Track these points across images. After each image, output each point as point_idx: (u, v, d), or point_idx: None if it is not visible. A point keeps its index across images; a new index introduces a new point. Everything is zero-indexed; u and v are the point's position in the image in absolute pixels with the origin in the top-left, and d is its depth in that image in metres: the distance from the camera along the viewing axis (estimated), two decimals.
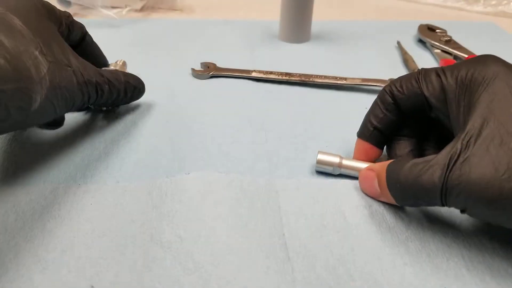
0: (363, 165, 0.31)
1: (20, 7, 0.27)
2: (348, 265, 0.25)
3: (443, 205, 0.24)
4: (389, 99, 0.30)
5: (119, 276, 0.24)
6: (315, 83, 0.44)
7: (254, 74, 0.45)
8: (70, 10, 0.58)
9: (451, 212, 0.29)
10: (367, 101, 0.42)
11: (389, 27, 0.58)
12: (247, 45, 0.52)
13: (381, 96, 0.31)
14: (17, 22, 0.25)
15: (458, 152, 0.23)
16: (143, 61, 0.47)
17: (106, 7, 0.57)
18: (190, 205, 0.28)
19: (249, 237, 0.26)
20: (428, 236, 0.27)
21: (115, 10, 0.57)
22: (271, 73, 0.45)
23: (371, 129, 0.31)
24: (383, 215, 0.28)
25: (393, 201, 0.27)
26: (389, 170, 0.27)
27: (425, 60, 0.50)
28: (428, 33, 0.54)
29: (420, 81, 0.29)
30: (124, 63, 0.43)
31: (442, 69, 0.28)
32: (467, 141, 0.23)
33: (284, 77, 0.44)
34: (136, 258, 0.25)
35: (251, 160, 0.33)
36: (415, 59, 0.49)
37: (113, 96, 0.34)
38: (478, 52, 0.48)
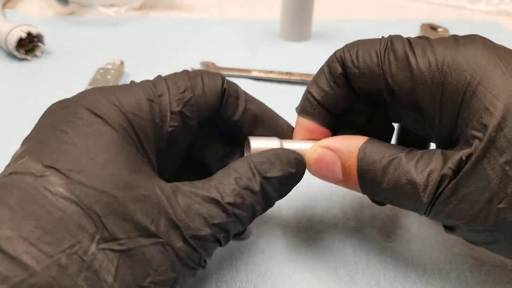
0: (310, 144, 0.23)
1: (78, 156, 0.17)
2: (349, 266, 0.25)
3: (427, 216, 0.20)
4: (339, 69, 0.23)
5: None
6: None
7: (254, 74, 0.44)
8: (68, 9, 0.57)
9: None
10: None
11: (390, 26, 0.58)
12: (247, 44, 0.51)
13: (330, 63, 0.23)
14: (56, 190, 0.16)
15: (452, 168, 0.18)
16: (141, 60, 0.47)
17: (104, 5, 0.56)
18: None
19: (249, 239, 0.26)
20: (431, 238, 0.27)
21: (114, 9, 0.57)
22: (271, 72, 0.44)
23: (314, 103, 0.23)
24: (385, 217, 0.28)
25: (354, 189, 0.22)
26: (363, 167, 0.20)
27: None
28: (430, 32, 0.53)
29: (382, 56, 0.21)
30: (122, 63, 0.43)
31: (412, 44, 0.21)
32: (464, 157, 0.18)
33: (284, 77, 0.44)
34: None
35: None
36: None
37: (248, 221, 0.20)
38: None
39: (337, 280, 0.24)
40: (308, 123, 0.23)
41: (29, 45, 0.46)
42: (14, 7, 0.59)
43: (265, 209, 0.21)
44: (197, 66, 0.45)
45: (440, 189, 0.19)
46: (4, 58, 0.46)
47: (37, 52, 0.46)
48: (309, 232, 0.27)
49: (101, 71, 0.41)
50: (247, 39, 0.53)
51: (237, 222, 0.19)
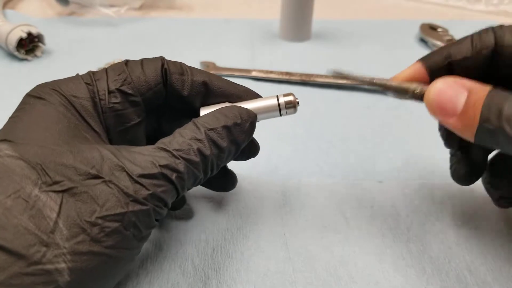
0: (267, 102, 0.25)
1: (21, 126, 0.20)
2: (349, 266, 0.25)
3: None
4: (491, 41, 0.22)
5: None
6: (315, 82, 0.44)
7: (254, 74, 0.44)
8: (68, 9, 0.57)
9: (454, 213, 0.28)
10: (368, 101, 0.42)
11: (390, 26, 0.58)
12: (247, 44, 0.51)
13: (483, 33, 0.23)
14: (4, 153, 0.18)
15: None
16: None
17: (104, 5, 0.56)
18: (188, 209, 0.28)
19: (249, 238, 0.26)
20: (430, 237, 0.27)
21: (114, 9, 0.57)
22: (271, 72, 0.44)
23: (445, 61, 0.23)
24: (384, 216, 0.28)
25: (464, 131, 0.21)
26: (493, 97, 0.19)
27: None
28: (430, 32, 0.53)
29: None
30: None
31: None
32: None
33: (284, 77, 0.44)
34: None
35: (251, 161, 0.33)
36: (416, 58, 0.48)
37: (199, 178, 0.21)
38: None
39: (337, 280, 0.24)
40: (422, 75, 0.24)
41: (29, 45, 0.46)
42: (14, 7, 0.59)
43: (219, 157, 0.22)
44: (197, 66, 0.45)
45: None
46: (4, 58, 0.46)
47: (38, 52, 0.46)
48: (309, 232, 0.27)
49: None
50: (247, 39, 0.53)
51: (188, 165, 0.20)
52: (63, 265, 0.17)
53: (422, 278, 0.24)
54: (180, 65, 0.24)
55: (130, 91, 0.22)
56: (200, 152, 0.21)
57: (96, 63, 0.43)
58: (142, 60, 0.24)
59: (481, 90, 0.20)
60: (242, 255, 0.25)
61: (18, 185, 0.17)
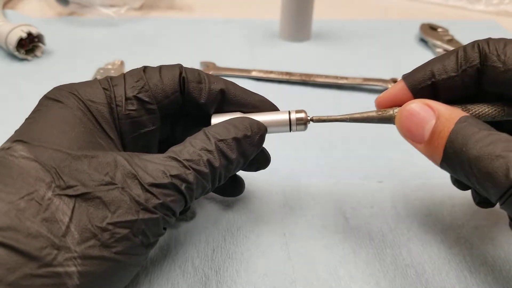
0: (278, 116, 0.24)
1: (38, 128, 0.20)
2: (349, 266, 0.25)
3: (496, 202, 0.19)
4: (476, 58, 0.22)
5: None
6: (315, 82, 0.44)
7: (254, 74, 0.44)
8: (68, 9, 0.57)
9: (454, 213, 0.28)
10: (368, 100, 0.42)
11: (390, 26, 0.58)
12: (247, 44, 0.51)
13: (468, 49, 0.22)
14: (19, 154, 0.18)
15: None
16: (141, 61, 0.47)
17: (104, 5, 0.56)
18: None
19: (249, 238, 0.26)
20: (430, 237, 0.27)
21: (114, 9, 0.57)
22: (271, 72, 0.44)
23: (429, 82, 0.22)
24: (385, 216, 0.28)
25: (430, 158, 0.21)
26: (459, 131, 0.19)
27: (427, 59, 0.50)
28: (430, 32, 0.53)
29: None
30: (122, 63, 0.43)
31: None
32: None
33: (284, 77, 0.44)
34: None
35: None
36: (416, 58, 0.48)
37: (207, 189, 0.22)
38: None
39: (337, 280, 0.24)
40: (406, 94, 0.23)
41: (29, 45, 0.46)
42: (14, 7, 0.59)
43: (228, 168, 0.22)
44: (197, 66, 0.45)
45: None
46: (4, 58, 0.46)
47: (38, 52, 0.46)
48: (309, 232, 0.27)
49: (101, 71, 0.41)
50: (247, 39, 0.53)
51: (198, 176, 0.20)
52: (73, 268, 0.17)
53: (422, 278, 0.24)
54: (198, 73, 0.24)
55: (147, 99, 0.22)
56: (209, 163, 0.21)
57: (96, 63, 0.43)
58: (160, 67, 0.24)
59: (449, 119, 0.20)
60: (242, 256, 0.25)
61: (31, 187, 0.17)
